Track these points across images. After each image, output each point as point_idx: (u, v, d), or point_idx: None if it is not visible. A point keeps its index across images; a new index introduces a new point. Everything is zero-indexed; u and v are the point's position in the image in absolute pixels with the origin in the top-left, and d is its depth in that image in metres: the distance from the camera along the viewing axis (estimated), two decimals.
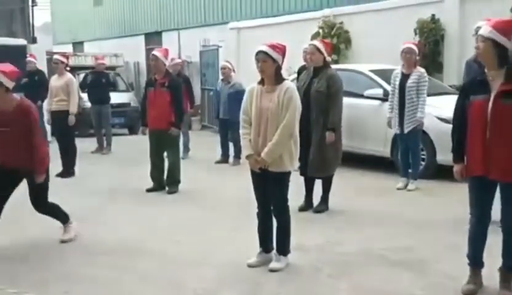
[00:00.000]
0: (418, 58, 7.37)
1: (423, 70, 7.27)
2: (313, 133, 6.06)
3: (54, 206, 5.40)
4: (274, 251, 4.59)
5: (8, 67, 4.98)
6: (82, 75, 14.05)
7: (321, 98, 6.04)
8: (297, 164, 4.59)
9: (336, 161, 6.30)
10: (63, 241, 5.35)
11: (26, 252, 5.10)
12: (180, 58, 13.12)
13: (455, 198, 6.32)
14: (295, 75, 8.14)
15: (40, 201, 5.24)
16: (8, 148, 4.99)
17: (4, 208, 5.20)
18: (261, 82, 4.50)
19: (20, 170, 5.07)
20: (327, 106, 6.06)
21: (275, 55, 4.40)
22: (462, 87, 4.13)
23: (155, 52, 7.42)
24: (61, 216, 5.46)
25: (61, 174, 8.21)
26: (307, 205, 6.29)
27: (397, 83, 7.25)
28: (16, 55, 11.99)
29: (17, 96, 5.07)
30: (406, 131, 7.16)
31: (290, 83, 4.50)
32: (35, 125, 4.98)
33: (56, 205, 5.42)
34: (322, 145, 6.06)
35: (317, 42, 6.43)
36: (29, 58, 11.68)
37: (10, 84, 4.90)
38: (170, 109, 7.27)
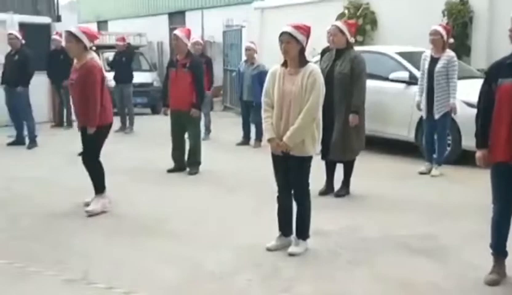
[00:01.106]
0: (451, 41, 7.14)
1: (452, 54, 7.07)
2: (336, 116, 5.96)
3: (101, 170, 5.68)
4: (294, 235, 4.55)
5: (89, 29, 5.69)
6: (105, 55, 14.08)
7: (344, 80, 5.93)
8: (319, 148, 4.51)
9: (359, 145, 6.20)
10: (87, 212, 5.47)
11: (45, 230, 5.15)
12: (202, 38, 13.06)
13: (480, 185, 6.16)
14: (319, 57, 8.02)
15: (89, 155, 5.63)
16: (76, 104, 5.63)
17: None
18: (284, 64, 4.41)
19: (82, 129, 5.55)
20: (351, 88, 5.95)
21: (299, 36, 4.30)
22: (488, 70, 4.00)
23: (176, 32, 7.37)
24: (100, 183, 5.66)
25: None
26: (328, 189, 6.22)
27: (426, 66, 7.08)
28: (41, 33, 12.09)
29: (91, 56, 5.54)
30: (437, 116, 6.99)
31: (314, 66, 4.41)
32: (92, 83, 5.42)
33: (103, 171, 5.68)
34: (345, 129, 5.97)
35: (339, 23, 6.30)
36: (54, 36, 11.72)
37: (88, 44, 5.47)
38: (191, 90, 7.23)
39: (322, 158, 6.13)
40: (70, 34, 5.45)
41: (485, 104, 3.81)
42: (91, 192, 5.91)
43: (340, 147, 6.00)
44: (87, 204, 5.70)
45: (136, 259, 4.39)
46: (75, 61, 5.60)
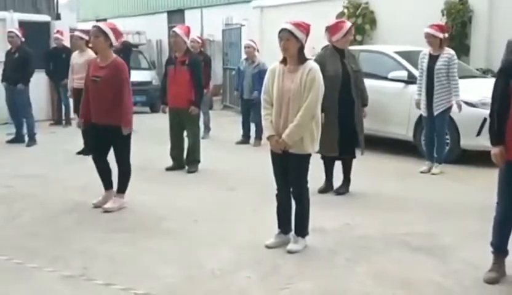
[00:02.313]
0: (445, 35, 7.15)
1: (452, 52, 7.07)
2: (356, 113, 6.08)
3: (130, 171, 5.71)
4: (292, 233, 4.55)
5: (114, 26, 5.61)
6: None
7: (357, 77, 6.14)
8: (318, 146, 4.52)
9: None
10: (105, 210, 5.49)
11: (44, 227, 5.14)
12: (201, 36, 13.04)
13: (480, 184, 6.20)
14: None
15: (124, 159, 5.63)
16: (98, 102, 5.43)
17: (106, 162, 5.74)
18: (283, 61, 4.41)
19: (107, 128, 5.43)
20: (359, 85, 6.20)
21: (299, 33, 4.30)
22: (503, 67, 3.91)
23: (175, 29, 7.36)
24: (124, 183, 5.68)
25: (83, 152, 8.26)
26: (327, 187, 6.23)
27: (425, 65, 7.09)
28: (40, 31, 12.08)
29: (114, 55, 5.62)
30: (436, 113, 7.01)
31: (313, 63, 4.40)
32: (124, 83, 5.41)
33: (130, 174, 5.70)
34: (362, 123, 6.24)
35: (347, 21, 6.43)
36: (57, 34, 11.70)
37: (114, 41, 5.46)
38: (190, 87, 7.22)
39: (322, 157, 6.14)
40: (99, 30, 5.46)
41: (502, 101, 3.70)
42: (88, 190, 5.91)
43: (362, 141, 6.23)
44: (96, 206, 5.63)
45: (135, 256, 4.39)
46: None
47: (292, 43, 4.29)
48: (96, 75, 5.50)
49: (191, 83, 7.21)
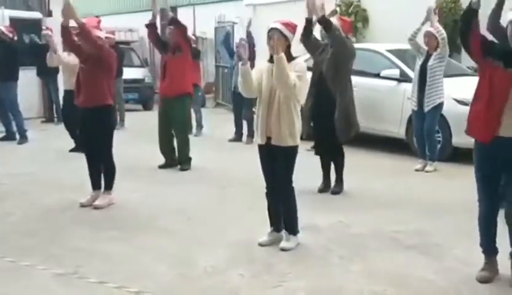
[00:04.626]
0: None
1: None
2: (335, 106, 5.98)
3: (114, 168, 5.72)
4: (284, 231, 4.56)
5: (94, 21, 5.88)
6: None
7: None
8: (298, 140, 4.51)
9: (357, 122, 6.24)
10: (95, 207, 5.50)
11: (37, 225, 5.13)
12: (194, 34, 13.02)
13: (472, 182, 6.11)
14: None
15: (105, 153, 5.64)
16: (85, 85, 5.52)
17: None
18: (271, 60, 4.42)
19: (90, 113, 5.48)
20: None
21: (288, 33, 4.35)
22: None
23: (171, 27, 7.41)
24: (110, 181, 5.70)
25: (75, 149, 8.23)
26: (325, 186, 6.22)
27: (420, 61, 7.12)
28: (32, 28, 12.02)
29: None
30: (427, 110, 7.04)
31: (300, 60, 4.46)
32: (103, 59, 5.52)
33: (115, 170, 5.71)
34: (344, 107, 6.04)
35: (334, 19, 6.36)
36: (44, 31, 11.63)
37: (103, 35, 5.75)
38: (182, 75, 7.21)
39: (316, 153, 6.15)
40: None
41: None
42: (81, 188, 5.89)
43: (343, 126, 5.99)
44: (83, 206, 5.62)
45: (128, 255, 4.38)
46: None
47: (281, 42, 4.32)
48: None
49: (183, 71, 7.20)
